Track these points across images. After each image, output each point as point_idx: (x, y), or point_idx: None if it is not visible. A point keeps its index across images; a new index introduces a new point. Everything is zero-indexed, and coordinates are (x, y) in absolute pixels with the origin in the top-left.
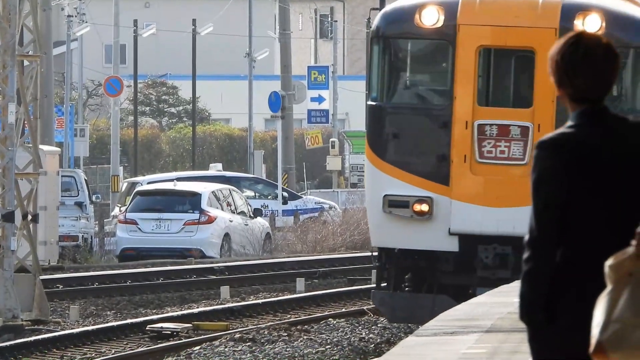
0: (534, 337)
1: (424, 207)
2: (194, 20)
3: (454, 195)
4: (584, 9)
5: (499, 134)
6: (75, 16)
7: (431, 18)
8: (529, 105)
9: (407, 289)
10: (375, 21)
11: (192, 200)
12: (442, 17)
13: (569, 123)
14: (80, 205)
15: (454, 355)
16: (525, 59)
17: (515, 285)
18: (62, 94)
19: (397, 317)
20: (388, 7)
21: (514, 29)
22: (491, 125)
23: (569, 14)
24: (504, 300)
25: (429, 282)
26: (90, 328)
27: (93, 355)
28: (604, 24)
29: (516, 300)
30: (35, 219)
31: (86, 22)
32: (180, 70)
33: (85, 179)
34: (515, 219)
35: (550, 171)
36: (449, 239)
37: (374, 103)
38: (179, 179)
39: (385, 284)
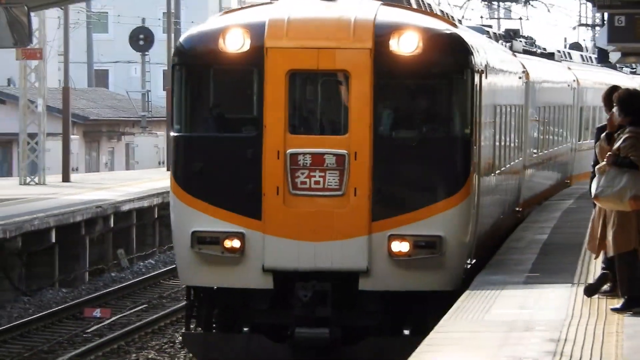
0: None
1: (235, 244)
2: None
3: (267, 230)
4: (399, 28)
5: (313, 164)
6: None
7: (236, 42)
8: (344, 131)
9: (214, 328)
10: (177, 46)
11: None
12: (247, 41)
13: None
14: None
15: (564, 208)
16: (339, 82)
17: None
18: None
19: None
20: (190, 31)
21: (326, 50)
22: (304, 154)
23: (383, 33)
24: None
25: (241, 321)
26: None
27: None
28: (421, 44)
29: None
30: None
31: None
32: None
33: None
34: (334, 254)
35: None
36: (263, 276)
37: (177, 134)
38: None
39: (195, 324)
